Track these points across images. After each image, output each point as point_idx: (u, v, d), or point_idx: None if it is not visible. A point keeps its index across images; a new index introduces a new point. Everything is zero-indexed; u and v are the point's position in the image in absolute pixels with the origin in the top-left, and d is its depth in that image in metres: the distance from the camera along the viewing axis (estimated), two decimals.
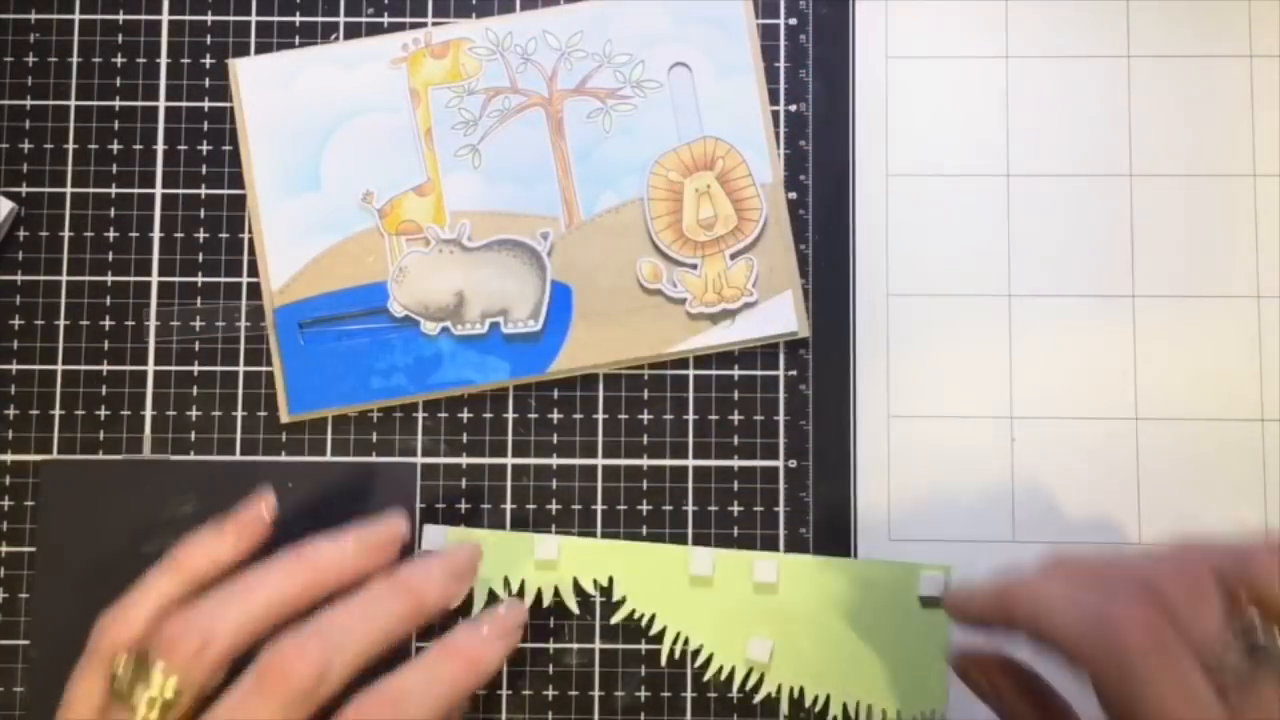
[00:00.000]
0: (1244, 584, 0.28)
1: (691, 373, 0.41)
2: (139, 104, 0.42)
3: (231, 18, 0.42)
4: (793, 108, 0.42)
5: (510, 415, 0.41)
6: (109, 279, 0.41)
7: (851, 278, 0.41)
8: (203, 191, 0.42)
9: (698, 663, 0.39)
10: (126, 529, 0.40)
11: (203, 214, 0.42)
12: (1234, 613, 0.28)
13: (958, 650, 0.34)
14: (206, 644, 0.30)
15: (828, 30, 0.42)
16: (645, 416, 0.41)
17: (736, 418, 0.41)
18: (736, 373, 0.41)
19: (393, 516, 0.35)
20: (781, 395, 0.41)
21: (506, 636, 0.34)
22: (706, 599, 0.39)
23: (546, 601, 0.39)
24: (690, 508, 0.40)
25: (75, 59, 0.42)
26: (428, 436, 0.41)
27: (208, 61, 0.42)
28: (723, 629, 0.39)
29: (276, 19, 0.42)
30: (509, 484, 0.41)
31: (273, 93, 0.41)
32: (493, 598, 0.39)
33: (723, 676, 0.39)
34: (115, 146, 0.42)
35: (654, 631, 0.39)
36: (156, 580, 0.32)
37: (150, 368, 0.41)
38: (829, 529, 0.40)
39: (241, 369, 0.41)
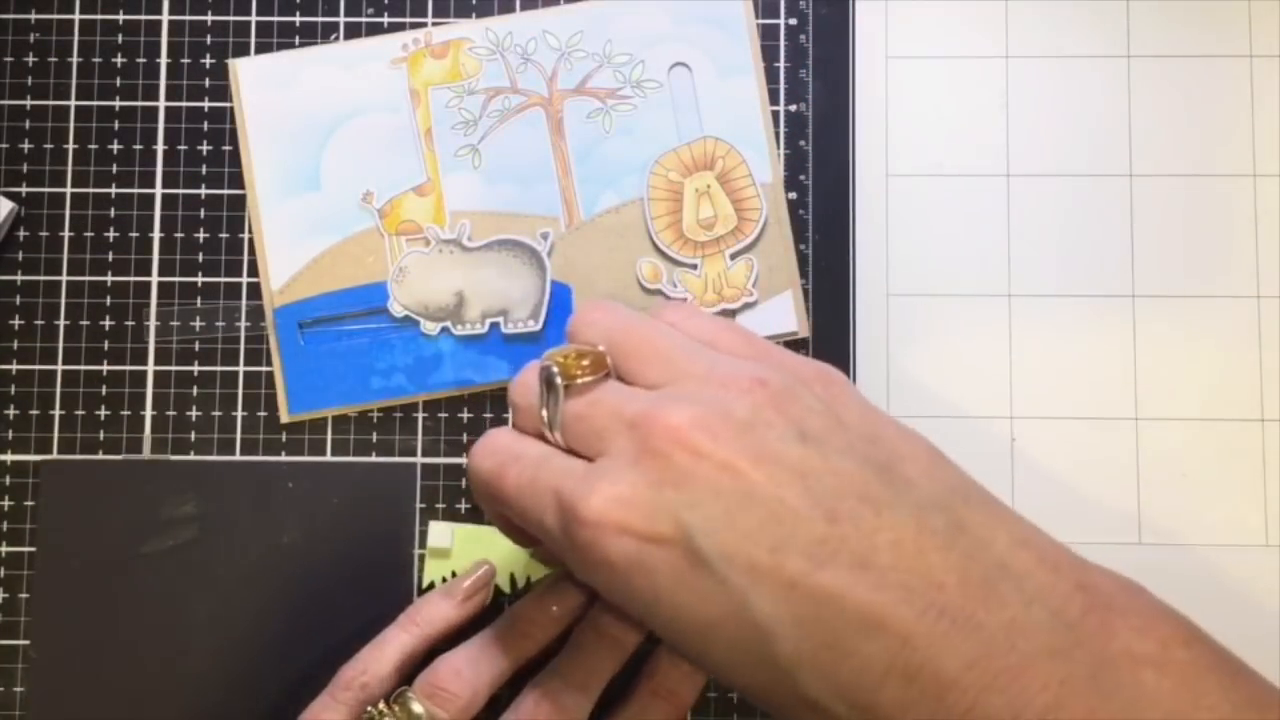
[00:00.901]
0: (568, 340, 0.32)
1: None
2: (139, 104, 0.42)
3: (231, 18, 0.42)
4: (793, 108, 0.42)
5: (510, 415, 0.41)
6: (109, 279, 0.41)
7: (851, 278, 0.41)
8: (203, 191, 0.42)
9: None
10: (126, 529, 0.40)
11: (203, 214, 0.42)
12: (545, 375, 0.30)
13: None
14: (476, 696, 0.35)
15: (828, 30, 0.42)
16: None
17: None
18: None
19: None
20: None
21: (697, 673, 0.37)
22: None
23: None
24: None
25: (75, 59, 0.42)
26: (428, 436, 0.41)
27: (208, 61, 0.42)
28: None
29: (276, 19, 0.42)
30: None
31: (273, 93, 0.41)
32: (498, 594, 0.39)
33: None
34: (115, 146, 0.42)
35: None
36: (396, 634, 0.37)
37: (150, 368, 0.41)
38: None
39: (241, 369, 0.41)
